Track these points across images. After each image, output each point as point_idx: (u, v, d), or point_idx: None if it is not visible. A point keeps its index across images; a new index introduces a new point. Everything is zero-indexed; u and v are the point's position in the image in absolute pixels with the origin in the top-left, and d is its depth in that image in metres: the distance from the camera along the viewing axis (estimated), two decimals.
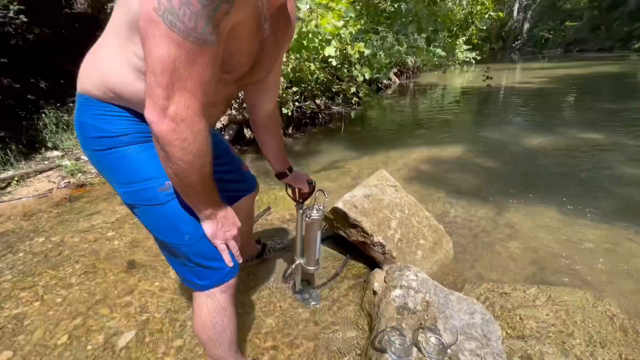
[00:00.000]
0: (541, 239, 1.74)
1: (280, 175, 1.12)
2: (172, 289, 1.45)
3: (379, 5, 3.62)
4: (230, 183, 1.09)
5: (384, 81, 8.03)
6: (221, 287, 0.81)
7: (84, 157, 3.24)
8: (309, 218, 1.10)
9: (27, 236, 1.99)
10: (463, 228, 1.84)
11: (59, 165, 3.01)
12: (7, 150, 3.02)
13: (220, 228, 0.75)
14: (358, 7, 3.98)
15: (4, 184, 2.67)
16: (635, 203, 2.03)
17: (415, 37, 3.34)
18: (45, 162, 3.13)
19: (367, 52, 2.98)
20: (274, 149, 1.07)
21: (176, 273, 0.85)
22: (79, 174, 2.93)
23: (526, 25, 31.86)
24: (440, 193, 2.29)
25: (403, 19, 3.46)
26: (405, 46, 3.33)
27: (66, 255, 1.77)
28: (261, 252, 1.55)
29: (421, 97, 7.17)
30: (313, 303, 1.29)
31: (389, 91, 8.46)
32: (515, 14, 33.09)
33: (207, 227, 0.74)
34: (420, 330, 0.93)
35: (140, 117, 0.69)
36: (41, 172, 2.93)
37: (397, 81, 9.65)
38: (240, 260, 0.83)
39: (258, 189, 1.25)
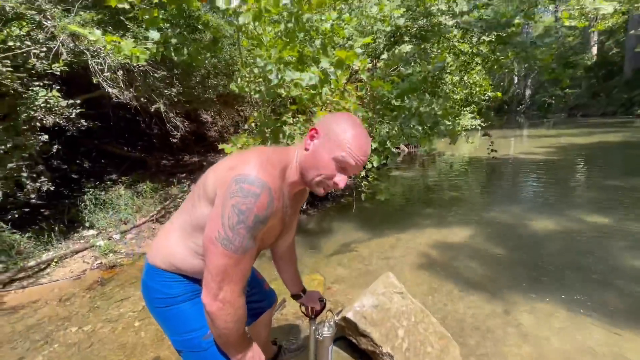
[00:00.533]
0: (549, 343, 1.77)
1: (296, 296, 1.31)
2: None
3: (384, 99, 4.11)
4: (255, 302, 1.27)
5: (393, 149, 8.50)
6: None
7: (116, 236, 3.53)
8: (321, 336, 1.25)
9: (62, 325, 2.16)
10: (471, 328, 1.90)
11: (93, 245, 3.29)
12: (51, 230, 3.35)
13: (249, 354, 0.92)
14: (365, 101, 4.52)
15: (44, 265, 2.93)
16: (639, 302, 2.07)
17: (418, 127, 3.72)
18: (81, 242, 3.42)
19: (375, 145, 3.34)
20: (291, 275, 1.29)
21: None
22: (110, 255, 3.18)
23: (528, 92, 33.62)
24: (448, 285, 2.38)
25: (407, 112, 3.89)
26: (408, 135, 3.70)
27: (96, 347, 1.92)
28: (277, 353, 1.65)
29: (429, 168, 7.49)
30: None
31: (399, 159, 8.89)
32: (515, 80, 35.25)
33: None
34: None
35: (192, 280, 0.94)
36: (77, 252, 3.20)
37: (406, 150, 10.15)
38: None
39: (276, 303, 1.43)
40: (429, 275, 2.53)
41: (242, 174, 0.76)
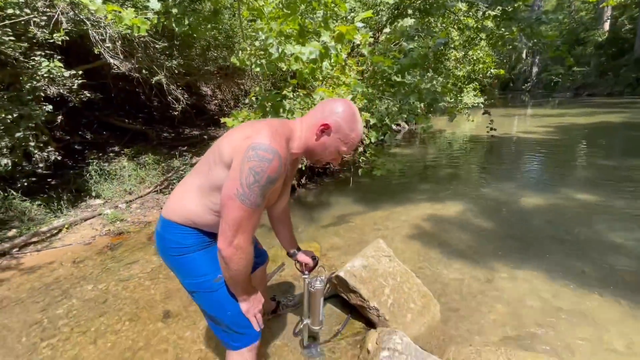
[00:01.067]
0: (524, 305, 1.95)
1: (291, 255, 1.46)
2: (202, 340, 1.73)
3: (385, 75, 4.12)
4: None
5: (393, 126, 8.50)
6: (248, 347, 1.12)
7: (122, 206, 3.68)
8: (313, 288, 1.40)
9: (78, 283, 2.34)
10: (453, 291, 2.07)
11: (101, 214, 3.44)
12: (60, 199, 3.49)
13: (252, 306, 1.07)
14: (366, 75, 4.51)
15: (56, 231, 3.10)
16: (613, 270, 2.22)
17: (417, 104, 3.76)
18: (89, 210, 3.57)
19: (373, 121, 3.41)
20: (286, 235, 1.43)
21: (216, 336, 1.15)
22: (118, 222, 3.34)
23: (535, 69, 32.82)
24: (436, 253, 2.54)
25: (406, 88, 3.91)
26: (407, 113, 3.75)
27: (111, 302, 2.10)
28: (275, 308, 1.83)
29: (428, 145, 7.55)
30: (318, 355, 1.54)
31: (399, 136, 8.92)
32: (524, 57, 34.32)
33: (243, 305, 1.07)
34: None
35: (203, 233, 1.07)
36: (86, 219, 3.36)
37: (406, 127, 10.15)
38: (262, 326, 1.13)
39: (268, 260, 1.59)
40: (418, 245, 2.69)
41: (257, 142, 0.90)
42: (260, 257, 1.51)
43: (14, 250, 2.76)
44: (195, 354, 1.63)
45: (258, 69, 2.78)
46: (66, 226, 3.14)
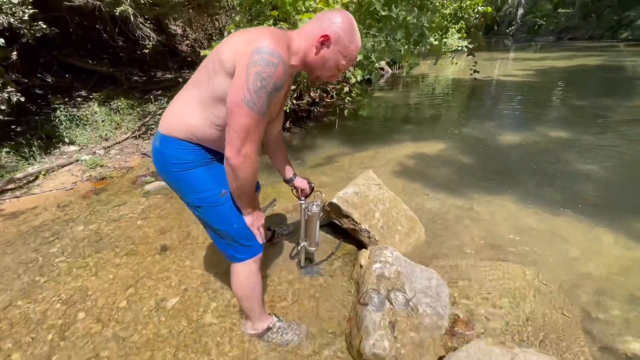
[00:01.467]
0: (499, 225, 2.14)
1: (288, 181, 1.48)
2: (202, 267, 1.82)
3: (371, 9, 3.88)
4: None
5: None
6: (253, 258, 1.19)
7: (100, 152, 3.53)
8: (310, 212, 1.47)
9: (67, 225, 2.32)
10: (436, 217, 2.23)
11: (79, 160, 3.30)
12: (30, 146, 3.29)
13: (255, 219, 1.12)
14: (351, 9, 4.23)
15: (32, 178, 2.97)
16: (577, 195, 2.45)
17: (403, 41, 3.62)
18: (64, 157, 3.41)
19: (359, 58, 3.28)
20: (282, 160, 1.44)
21: (220, 250, 1.21)
22: (98, 168, 3.23)
23: (520, 11, 31.82)
24: (420, 186, 2.67)
25: (393, 22, 3.73)
26: (394, 49, 3.62)
27: (106, 240, 2.12)
28: (271, 237, 1.92)
29: (412, 90, 7.47)
30: (314, 275, 1.68)
31: (382, 81, 8.72)
32: None
33: (247, 218, 1.11)
34: (392, 291, 1.33)
35: (205, 149, 1.06)
36: (63, 166, 3.23)
37: (390, 71, 9.88)
38: (264, 241, 1.20)
39: (260, 190, 1.63)
40: (403, 179, 2.80)
41: (262, 46, 0.85)
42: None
43: None
44: (197, 279, 1.73)
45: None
46: (43, 172, 3.01)
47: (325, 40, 0.98)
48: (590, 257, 1.81)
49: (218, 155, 1.09)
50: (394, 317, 1.24)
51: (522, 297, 1.47)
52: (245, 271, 1.20)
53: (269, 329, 1.33)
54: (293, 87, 3.82)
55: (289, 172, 1.47)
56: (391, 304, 1.29)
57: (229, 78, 0.89)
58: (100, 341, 1.39)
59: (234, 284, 1.23)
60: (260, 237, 1.15)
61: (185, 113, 1.00)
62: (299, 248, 1.65)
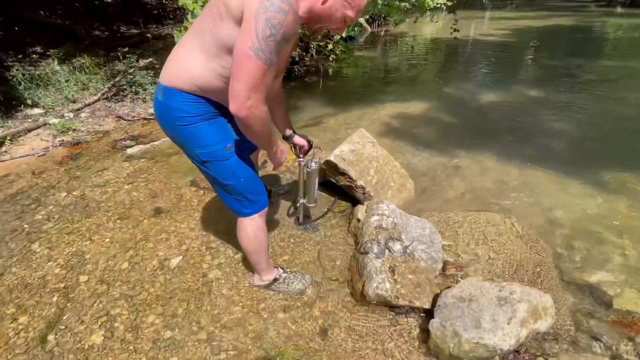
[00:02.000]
0: (481, 179, 2.29)
1: (287, 137, 1.48)
2: (200, 228, 1.83)
3: None
4: (249, 142, 1.44)
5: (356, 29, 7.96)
6: (259, 213, 1.23)
7: (69, 115, 3.28)
8: (309, 168, 1.50)
9: (48, 192, 2.22)
10: (423, 173, 2.34)
11: (47, 123, 3.07)
12: None
13: (280, 154, 1.16)
14: None
15: None
16: (550, 150, 2.63)
17: None
18: (29, 121, 3.15)
19: None
20: (282, 117, 1.43)
21: (227, 206, 1.23)
22: (70, 132, 3.03)
23: None
24: (407, 145, 2.75)
25: None
26: (380, 3, 3.51)
27: (94, 206, 2.06)
28: (268, 196, 1.94)
29: (392, 49, 7.33)
30: (313, 230, 1.75)
31: (361, 40, 8.45)
32: None
33: (274, 158, 1.15)
34: (390, 240, 1.43)
35: (211, 102, 1.03)
36: (30, 130, 2.99)
37: (369, 29, 9.55)
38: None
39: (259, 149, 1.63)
40: (390, 139, 2.87)
41: None
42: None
43: None
44: (197, 239, 1.75)
45: None
46: (9, 137, 2.78)
47: None
48: (561, 206, 2.01)
49: (223, 109, 1.06)
50: (393, 262, 1.35)
51: (503, 241, 1.63)
52: (252, 225, 1.24)
53: (276, 279, 1.40)
54: None
55: (288, 129, 1.46)
56: (390, 251, 1.39)
57: (236, 24, 0.83)
58: (108, 300, 1.41)
59: (242, 239, 1.27)
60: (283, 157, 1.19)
61: (189, 63, 0.95)
62: (297, 205, 1.70)
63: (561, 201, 2.06)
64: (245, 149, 1.19)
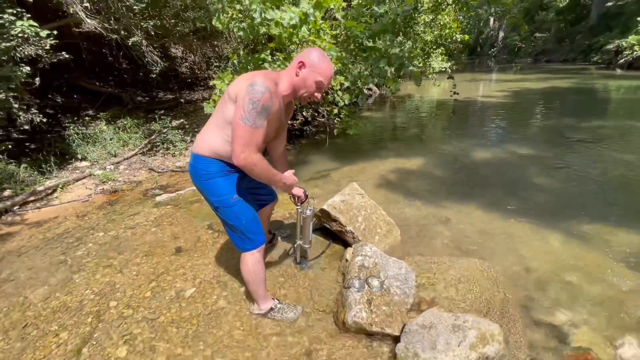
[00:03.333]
0: (464, 228, 2.52)
1: None
2: (213, 264, 2.14)
3: (357, 40, 4.37)
4: (262, 195, 1.82)
5: (365, 90, 8.81)
6: (258, 249, 1.55)
7: (110, 167, 3.84)
8: (304, 215, 1.83)
9: (88, 232, 2.62)
10: (412, 222, 2.61)
11: (92, 174, 3.61)
12: (48, 160, 3.59)
13: (288, 184, 1.51)
14: (339, 40, 4.73)
15: (50, 190, 3.26)
16: (534, 203, 2.86)
17: (386, 69, 4.10)
18: (78, 172, 3.71)
19: (346, 84, 3.73)
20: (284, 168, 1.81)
21: (233, 242, 1.56)
22: (110, 182, 3.54)
23: (501, 34, 33.63)
24: (400, 197, 3.06)
25: (377, 53, 4.22)
26: (378, 76, 4.09)
27: (125, 244, 2.43)
28: (272, 238, 2.26)
29: (398, 109, 8.01)
30: (308, 269, 2.02)
31: (370, 101, 9.27)
32: (491, 22, 34.94)
33: (284, 186, 1.51)
34: (370, 277, 1.68)
35: (224, 163, 1.44)
36: (78, 180, 3.53)
37: (377, 91, 10.47)
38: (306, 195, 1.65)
39: (277, 200, 1.99)
40: (385, 190, 3.20)
41: (255, 81, 1.23)
42: (271, 195, 1.92)
43: (15, 207, 2.94)
44: (210, 273, 2.04)
45: (241, 33, 2.97)
46: (60, 186, 3.31)
47: (302, 65, 1.35)
48: (536, 255, 2.20)
49: (234, 167, 1.44)
50: (370, 296, 1.59)
51: (475, 282, 1.83)
52: (252, 259, 1.54)
53: (272, 309, 1.66)
54: None
55: None
56: (369, 286, 1.64)
57: (233, 105, 1.26)
58: (132, 322, 1.69)
59: (243, 271, 1.57)
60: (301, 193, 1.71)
61: (208, 136, 1.40)
62: (295, 246, 1.99)
63: (538, 250, 2.25)
64: (250, 200, 1.56)
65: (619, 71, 14.19)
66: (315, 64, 1.34)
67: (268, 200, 1.91)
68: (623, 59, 15.01)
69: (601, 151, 4.11)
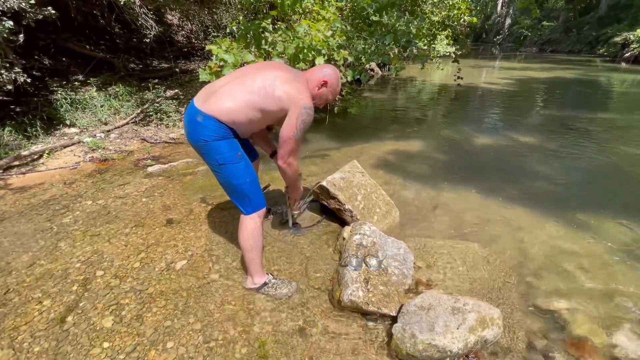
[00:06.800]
0: (463, 212, 2.48)
1: (272, 155, 1.94)
2: (205, 237, 2.07)
3: (363, 13, 4.17)
4: (253, 150, 1.89)
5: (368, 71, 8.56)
6: (258, 212, 1.51)
7: (100, 135, 3.69)
8: None
9: (76, 200, 2.52)
10: (410, 204, 2.55)
11: (81, 141, 3.46)
12: (34, 125, 3.42)
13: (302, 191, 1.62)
14: (345, 13, 4.51)
15: (36, 156, 3.13)
16: (531, 192, 2.82)
17: (392, 46, 3.93)
18: (66, 138, 3.56)
19: (350, 59, 3.57)
20: (266, 140, 1.95)
21: (235, 203, 1.52)
22: (100, 150, 3.40)
23: (508, 21, 32.86)
24: (399, 178, 2.99)
25: (383, 28, 4.04)
26: (383, 53, 3.93)
27: (114, 214, 2.34)
28: (266, 214, 2.19)
29: (399, 92, 7.83)
30: (299, 234, 1.99)
31: (372, 82, 9.04)
32: (499, 8, 34.04)
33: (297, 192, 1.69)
34: (368, 256, 1.62)
35: (232, 131, 1.41)
36: (66, 146, 3.38)
37: (380, 73, 10.22)
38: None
39: (259, 159, 1.99)
40: (384, 171, 3.12)
41: (307, 104, 1.41)
42: (254, 156, 1.90)
43: None
44: (202, 247, 1.98)
45: None
46: (47, 152, 3.17)
47: (324, 84, 1.56)
48: (535, 241, 2.17)
49: (237, 136, 1.47)
50: (368, 275, 1.54)
51: (474, 266, 1.80)
52: (251, 224, 1.49)
53: (265, 284, 1.61)
54: None
55: (271, 148, 1.96)
56: (366, 265, 1.58)
57: (279, 110, 1.41)
58: (119, 292, 1.63)
59: (241, 236, 1.52)
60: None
61: (231, 107, 1.38)
62: (286, 211, 1.96)
63: (536, 237, 2.22)
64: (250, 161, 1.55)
65: (623, 64, 14.02)
66: (334, 86, 1.60)
67: (253, 159, 1.90)
68: (629, 52, 14.81)
69: (603, 142, 4.05)
